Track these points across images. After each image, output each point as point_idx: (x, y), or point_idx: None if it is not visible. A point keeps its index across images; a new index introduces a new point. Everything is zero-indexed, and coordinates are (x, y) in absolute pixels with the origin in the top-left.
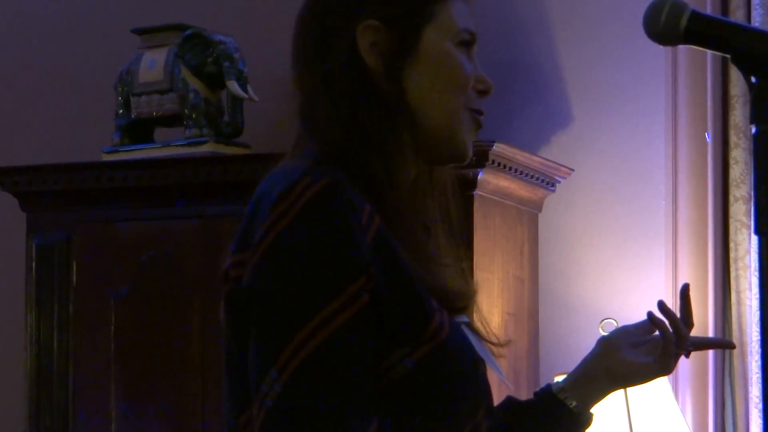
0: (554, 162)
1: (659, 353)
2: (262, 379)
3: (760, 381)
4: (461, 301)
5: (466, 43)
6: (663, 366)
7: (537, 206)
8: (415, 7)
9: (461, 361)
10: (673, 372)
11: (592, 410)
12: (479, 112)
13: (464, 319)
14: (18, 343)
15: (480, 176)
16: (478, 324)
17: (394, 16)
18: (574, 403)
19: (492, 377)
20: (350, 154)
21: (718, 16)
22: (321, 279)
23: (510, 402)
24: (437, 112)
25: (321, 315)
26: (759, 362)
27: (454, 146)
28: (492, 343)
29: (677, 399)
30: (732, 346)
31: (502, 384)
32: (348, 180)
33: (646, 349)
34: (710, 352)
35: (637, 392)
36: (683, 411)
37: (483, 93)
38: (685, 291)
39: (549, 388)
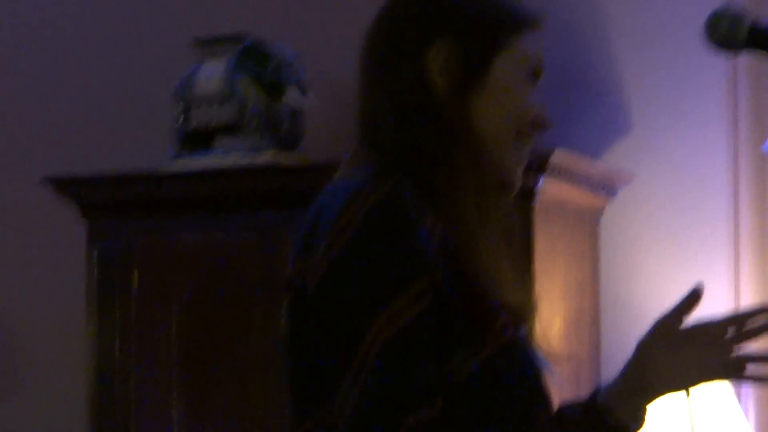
0: (615, 169)
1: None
2: (338, 387)
3: None
4: (521, 315)
5: (534, 76)
6: (713, 371)
7: (598, 213)
8: (490, 35)
9: (524, 364)
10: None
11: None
12: (528, 140)
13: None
14: (80, 351)
15: (540, 184)
16: (538, 336)
17: (468, 41)
18: (623, 421)
19: (552, 387)
20: (415, 169)
21: None
22: (384, 281)
23: (559, 417)
24: (493, 138)
25: (385, 315)
26: None
27: (502, 174)
28: (550, 357)
29: (740, 403)
30: None
31: (563, 395)
32: (411, 188)
33: (692, 350)
34: None
35: (699, 396)
36: (746, 414)
37: (539, 127)
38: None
39: (595, 403)
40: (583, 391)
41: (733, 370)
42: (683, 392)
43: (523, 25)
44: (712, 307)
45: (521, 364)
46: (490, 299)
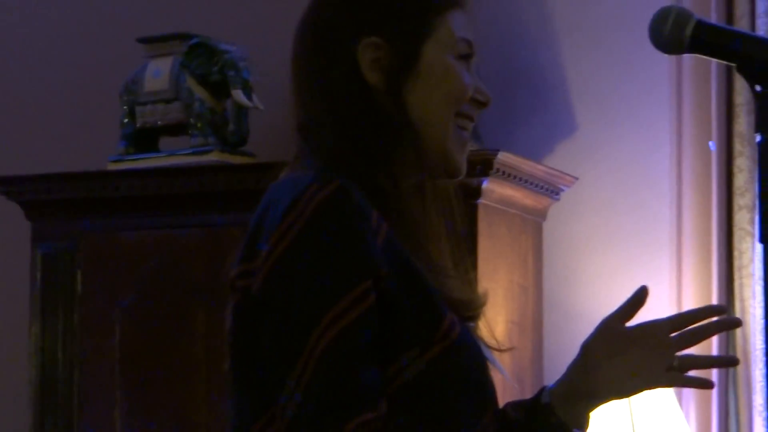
0: (558, 170)
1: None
2: (281, 390)
3: (764, 389)
4: (468, 310)
5: (466, 56)
6: (655, 378)
7: (541, 215)
8: (415, 23)
9: (471, 362)
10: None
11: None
12: (470, 118)
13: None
14: (22, 352)
15: (484, 185)
16: (482, 329)
17: (395, 32)
18: (565, 421)
19: (497, 379)
20: (355, 168)
21: (723, 24)
22: (329, 282)
23: (503, 418)
24: (433, 126)
25: (329, 316)
26: (763, 370)
27: (446, 160)
28: (495, 349)
29: (681, 406)
30: (735, 363)
31: (507, 386)
32: (354, 187)
33: (636, 354)
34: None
35: (641, 400)
36: (687, 418)
37: (482, 104)
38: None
39: (538, 403)
40: (526, 393)
41: (675, 377)
42: (626, 399)
43: (446, 7)
44: (654, 308)
45: (467, 365)
46: (437, 298)
